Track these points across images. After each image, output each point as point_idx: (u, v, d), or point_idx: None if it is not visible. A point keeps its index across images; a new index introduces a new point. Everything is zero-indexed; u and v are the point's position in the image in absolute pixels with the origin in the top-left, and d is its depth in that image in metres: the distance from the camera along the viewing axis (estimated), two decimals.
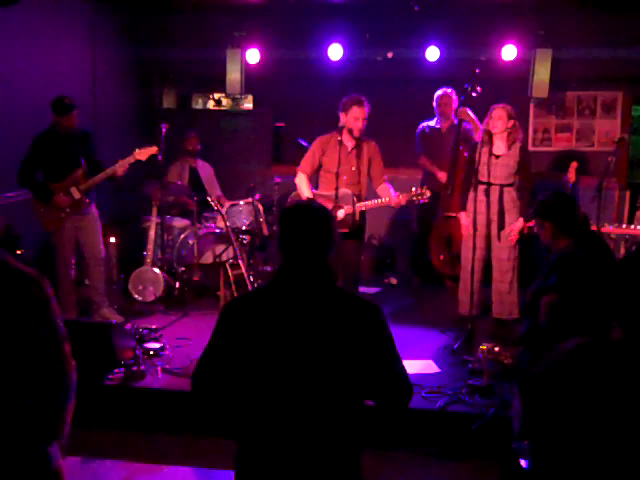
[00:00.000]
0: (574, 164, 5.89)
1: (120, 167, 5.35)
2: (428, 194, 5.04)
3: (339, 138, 5.00)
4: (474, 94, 5.88)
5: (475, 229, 5.19)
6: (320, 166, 5.23)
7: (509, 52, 6.81)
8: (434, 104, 6.55)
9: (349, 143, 5.11)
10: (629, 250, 5.77)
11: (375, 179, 5.21)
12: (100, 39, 6.97)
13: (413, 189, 5.08)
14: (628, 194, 6.90)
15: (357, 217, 5.08)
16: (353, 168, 5.12)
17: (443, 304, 6.14)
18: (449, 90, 6.49)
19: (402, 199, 5.05)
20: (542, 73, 6.66)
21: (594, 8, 6.79)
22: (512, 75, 6.91)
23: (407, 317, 5.87)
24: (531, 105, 7.28)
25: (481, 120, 5.60)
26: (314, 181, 5.35)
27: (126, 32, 7.45)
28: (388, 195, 5.09)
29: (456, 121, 6.29)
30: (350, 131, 5.03)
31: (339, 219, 5.01)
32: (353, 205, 5.04)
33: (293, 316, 2.13)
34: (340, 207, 5.02)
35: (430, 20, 6.88)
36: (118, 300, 5.99)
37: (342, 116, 5.07)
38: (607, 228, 5.43)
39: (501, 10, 6.83)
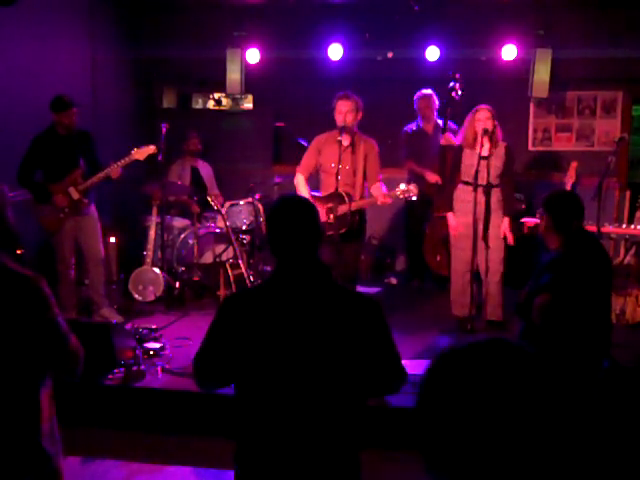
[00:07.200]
0: (574, 164, 5.88)
1: (113, 170, 5.31)
2: (415, 191, 5.00)
3: (339, 138, 5.01)
4: (455, 95, 5.91)
5: (469, 230, 5.20)
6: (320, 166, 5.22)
7: (509, 52, 6.81)
8: (415, 106, 6.57)
9: (345, 141, 5.10)
10: (629, 250, 5.77)
11: (369, 178, 5.17)
12: (100, 39, 6.96)
13: (401, 187, 5.01)
14: (628, 194, 6.88)
15: (356, 217, 5.06)
16: (347, 167, 5.09)
17: (443, 304, 6.13)
18: (429, 91, 6.51)
19: (387, 198, 5.02)
20: (542, 73, 6.66)
21: (594, 8, 6.79)
22: (512, 75, 6.91)
23: (407, 317, 5.86)
24: (531, 105, 7.28)
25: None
26: (315, 182, 5.32)
27: (126, 32, 7.45)
28: (380, 194, 5.07)
29: (440, 122, 6.32)
30: (343, 128, 5.03)
31: (331, 221, 4.98)
32: (349, 204, 5.01)
33: (292, 311, 2.13)
34: (335, 209, 5.00)
35: (430, 20, 6.87)
36: (118, 300, 5.99)
37: (335, 115, 5.11)
38: (607, 228, 5.43)
39: (501, 10, 6.83)
